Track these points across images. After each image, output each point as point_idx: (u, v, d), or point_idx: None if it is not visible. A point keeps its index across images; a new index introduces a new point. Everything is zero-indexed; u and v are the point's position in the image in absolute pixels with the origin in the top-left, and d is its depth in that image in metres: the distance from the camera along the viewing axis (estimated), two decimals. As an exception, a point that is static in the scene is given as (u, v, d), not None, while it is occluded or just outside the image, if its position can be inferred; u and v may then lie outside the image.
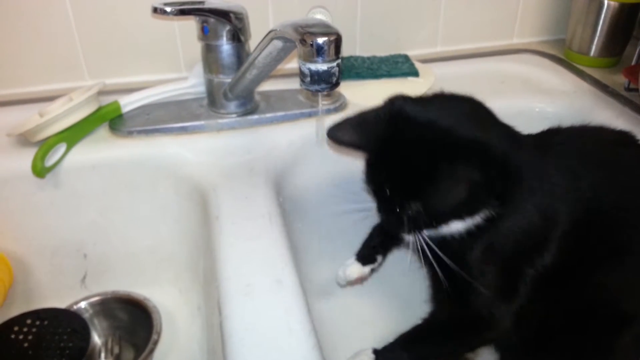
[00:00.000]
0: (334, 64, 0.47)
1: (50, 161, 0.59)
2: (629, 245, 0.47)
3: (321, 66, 0.47)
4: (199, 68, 0.66)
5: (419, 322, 0.54)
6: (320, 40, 0.45)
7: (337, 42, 0.46)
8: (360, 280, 0.59)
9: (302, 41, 0.46)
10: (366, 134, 0.47)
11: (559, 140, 0.52)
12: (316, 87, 0.48)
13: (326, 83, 0.48)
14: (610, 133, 0.54)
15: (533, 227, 0.46)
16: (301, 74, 0.48)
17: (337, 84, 0.48)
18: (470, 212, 0.45)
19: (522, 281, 0.47)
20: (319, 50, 0.46)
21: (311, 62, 0.46)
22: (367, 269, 0.58)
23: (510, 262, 0.48)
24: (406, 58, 0.79)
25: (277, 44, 0.52)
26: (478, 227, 0.46)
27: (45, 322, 0.59)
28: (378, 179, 0.48)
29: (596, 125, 0.55)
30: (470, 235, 0.46)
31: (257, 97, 0.68)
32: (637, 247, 0.47)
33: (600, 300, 0.48)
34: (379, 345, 0.53)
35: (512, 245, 0.47)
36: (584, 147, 0.51)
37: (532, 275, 0.47)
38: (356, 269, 0.57)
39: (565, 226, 0.46)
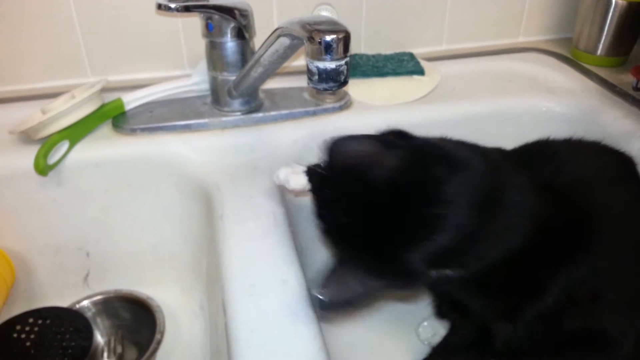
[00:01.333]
0: (343, 62, 0.46)
1: (52, 159, 0.58)
2: (618, 280, 0.47)
3: (329, 64, 0.46)
4: (202, 65, 0.65)
5: (446, 333, 0.60)
6: (329, 37, 0.45)
7: (346, 39, 0.46)
8: (298, 192, 0.55)
9: (310, 39, 0.45)
10: None
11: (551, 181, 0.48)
12: (324, 85, 0.47)
13: (334, 81, 0.47)
14: (607, 162, 0.52)
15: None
16: (309, 72, 0.48)
17: (345, 83, 0.48)
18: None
19: (520, 315, 0.47)
20: (328, 48, 0.45)
21: (319, 60, 0.46)
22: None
23: (504, 297, 0.47)
24: (411, 56, 0.78)
25: (284, 41, 0.51)
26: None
27: (48, 321, 0.59)
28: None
29: (590, 144, 0.53)
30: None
31: (261, 95, 0.67)
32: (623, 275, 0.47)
33: (585, 323, 0.47)
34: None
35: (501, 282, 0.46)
36: (576, 190, 0.48)
37: (531, 312, 0.46)
38: (302, 181, 0.52)
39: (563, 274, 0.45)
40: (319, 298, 0.41)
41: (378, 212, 0.40)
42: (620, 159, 0.53)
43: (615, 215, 0.47)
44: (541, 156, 0.51)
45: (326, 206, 0.44)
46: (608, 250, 0.46)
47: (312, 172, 0.47)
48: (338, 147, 0.43)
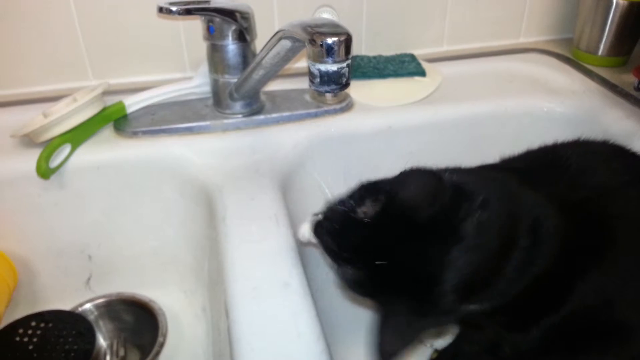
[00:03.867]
0: (344, 64, 0.46)
1: (54, 162, 0.58)
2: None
3: (331, 67, 0.46)
4: (204, 68, 0.65)
5: (455, 338, 0.60)
6: (330, 40, 0.45)
7: (347, 42, 0.46)
8: None
9: (312, 41, 0.45)
10: None
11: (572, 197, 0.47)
12: (326, 88, 0.47)
13: (336, 84, 0.47)
14: (619, 166, 0.51)
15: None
16: (310, 75, 0.48)
17: (347, 85, 0.48)
18: None
19: (536, 326, 0.47)
20: (329, 51, 0.45)
21: (321, 62, 0.46)
22: None
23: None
24: (412, 57, 0.78)
25: (286, 44, 0.51)
26: None
27: (50, 325, 0.59)
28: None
29: (600, 147, 0.53)
30: None
31: (262, 97, 0.67)
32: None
33: (600, 317, 0.47)
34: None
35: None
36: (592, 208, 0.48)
37: (547, 323, 0.46)
38: None
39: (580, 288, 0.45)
40: (381, 351, 0.41)
41: (412, 252, 0.41)
42: (632, 159, 0.52)
43: (631, 219, 0.47)
44: (554, 168, 0.51)
45: (354, 252, 0.43)
46: (624, 256, 0.46)
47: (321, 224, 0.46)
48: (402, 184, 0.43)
